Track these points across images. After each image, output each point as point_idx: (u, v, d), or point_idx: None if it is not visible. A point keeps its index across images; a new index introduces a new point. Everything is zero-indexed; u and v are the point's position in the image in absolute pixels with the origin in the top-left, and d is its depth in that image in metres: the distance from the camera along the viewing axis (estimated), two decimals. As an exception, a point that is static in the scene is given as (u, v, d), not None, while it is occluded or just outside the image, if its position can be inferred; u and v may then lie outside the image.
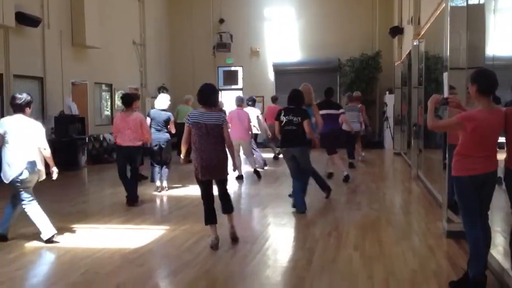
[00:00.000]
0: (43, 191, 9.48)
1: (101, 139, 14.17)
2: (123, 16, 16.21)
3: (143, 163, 10.50)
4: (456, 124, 4.14)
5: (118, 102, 15.86)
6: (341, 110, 10.34)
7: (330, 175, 10.42)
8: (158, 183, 9.28)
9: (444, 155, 5.95)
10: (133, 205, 8.04)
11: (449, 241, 5.73)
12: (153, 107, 9.72)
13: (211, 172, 5.61)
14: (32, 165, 5.71)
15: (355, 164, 12.41)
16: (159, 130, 8.96)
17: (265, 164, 12.17)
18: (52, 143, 11.68)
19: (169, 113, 9.16)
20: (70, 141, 12.34)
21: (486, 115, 4.08)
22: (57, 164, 5.93)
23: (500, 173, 4.28)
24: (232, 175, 10.38)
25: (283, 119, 7.49)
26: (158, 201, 8.61)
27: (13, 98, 5.85)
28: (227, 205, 5.86)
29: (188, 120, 5.63)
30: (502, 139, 4.24)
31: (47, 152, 5.85)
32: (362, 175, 11.22)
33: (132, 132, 8.07)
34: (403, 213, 7.69)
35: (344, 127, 11.43)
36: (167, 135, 9.07)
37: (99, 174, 12.18)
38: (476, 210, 4.25)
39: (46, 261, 5.25)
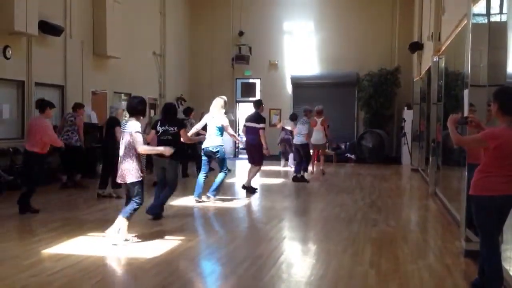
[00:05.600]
0: (61, 198, 9.60)
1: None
2: (144, 27, 16.39)
3: (78, 172, 10.85)
4: (480, 141, 4.10)
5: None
6: (260, 125, 10.26)
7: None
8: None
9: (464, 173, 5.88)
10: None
11: (467, 260, 5.64)
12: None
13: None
14: None
15: (299, 177, 12.19)
16: None
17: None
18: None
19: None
20: (89, 150, 12.43)
21: (510, 133, 4.03)
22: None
23: None
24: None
25: (159, 129, 7.67)
26: (174, 212, 8.61)
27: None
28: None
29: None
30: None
31: None
32: (379, 191, 11.13)
33: (31, 138, 8.03)
34: (419, 231, 7.60)
35: (299, 140, 12.26)
36: None
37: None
38: (494, 231, 4.19)
39: (61, 268, 5.27)
